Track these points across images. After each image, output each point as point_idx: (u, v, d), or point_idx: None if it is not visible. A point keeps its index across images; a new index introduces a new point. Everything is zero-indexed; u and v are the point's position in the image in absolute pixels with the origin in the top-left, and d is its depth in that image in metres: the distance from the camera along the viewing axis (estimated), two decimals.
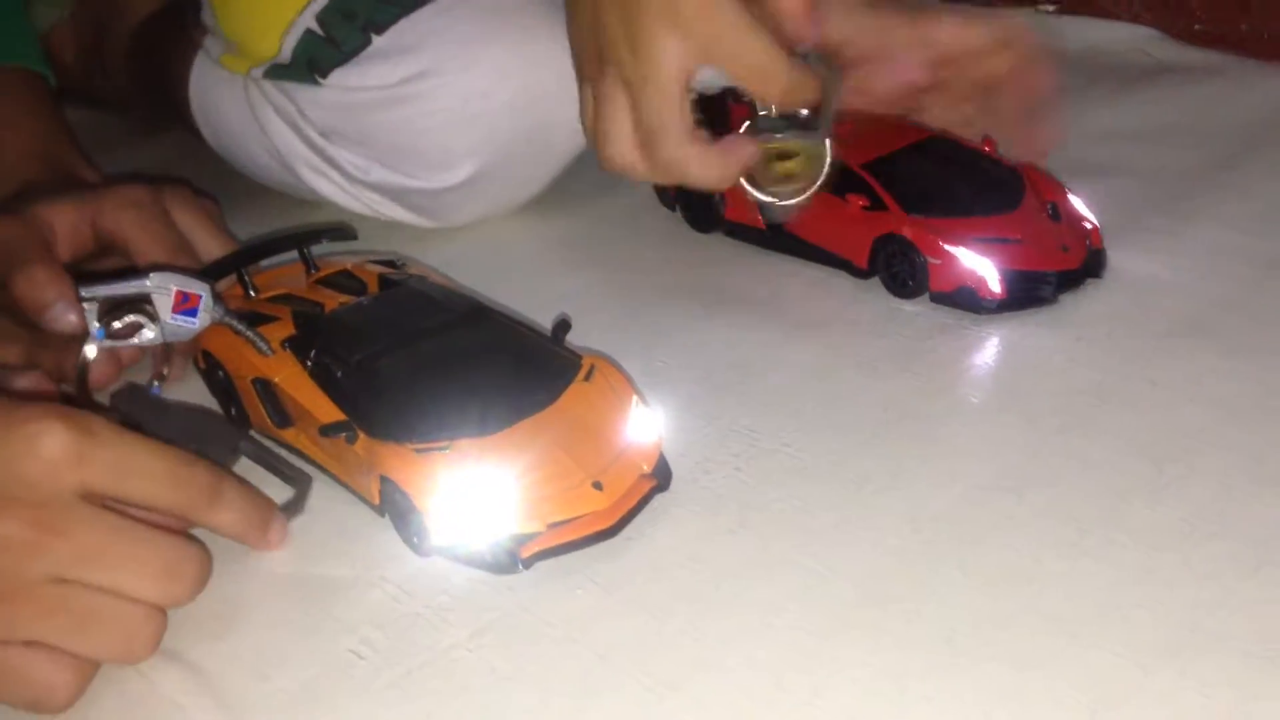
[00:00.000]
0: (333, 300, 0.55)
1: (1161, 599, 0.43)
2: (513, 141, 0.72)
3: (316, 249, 0.61)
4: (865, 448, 0.53)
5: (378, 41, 0.71)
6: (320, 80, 0.72)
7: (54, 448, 0.41)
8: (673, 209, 0.77)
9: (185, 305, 0.51)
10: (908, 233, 0.64)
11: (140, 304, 0.52)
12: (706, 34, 0.57)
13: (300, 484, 0.51)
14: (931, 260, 0.63)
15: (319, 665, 0.44)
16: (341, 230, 0.62)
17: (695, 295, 0.68)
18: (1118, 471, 0.50)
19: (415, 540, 0.48)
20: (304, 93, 0.73)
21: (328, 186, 0.77)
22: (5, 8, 0.75)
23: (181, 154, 0.85)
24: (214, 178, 0.79)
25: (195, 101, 0.81)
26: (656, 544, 0.48)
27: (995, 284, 0.62)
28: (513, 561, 0.46)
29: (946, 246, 0.62)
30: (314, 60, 0.72)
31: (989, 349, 0.60)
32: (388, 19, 0.71)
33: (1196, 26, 0.96)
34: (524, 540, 0.46)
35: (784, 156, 0.63)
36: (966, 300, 0.63)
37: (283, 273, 0.61)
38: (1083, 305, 0.63)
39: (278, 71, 0.74)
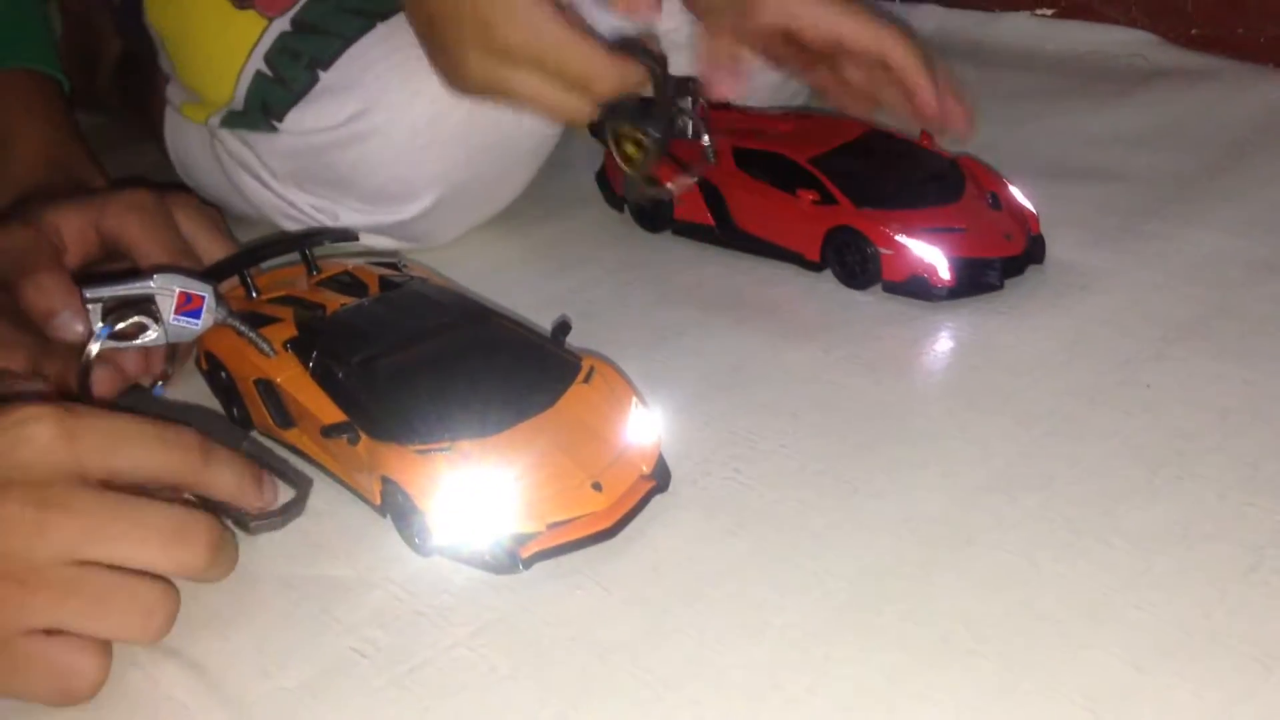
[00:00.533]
0: (334, 301, 0.56)
1: (1155, 601, 0.44)
2: (472, 162, 0.72)
3: (317, 251, 0.61)
4: (860, 450, 0.54)
5: (324, 78, 0.70)
6: (276, 125, 0.71)
7: (43, 432, 0.42)
8: (620, 210, 0.78)
9: (188, 306, 0.51)
10: (859, 225, 0.65)
11: (144, 305, 0.52)
12: (523, 47, 0.59)
13: (300, 485, 0.52)
14: (883, 251, 0.64)
15: (321, 664, 0.44)
16: (343, 232, 0.63)
17: (688, 299, 0.68)
18: (1111, 474, 0.51)
19: (416, 541, 0.48)
20: (262, 142, 0.73)
21: (295, 227, 0.76)
22: (23, 13, 0.75)
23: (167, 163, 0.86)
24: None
25: (170, 150, 0.82)
26: (655, 544, 0.49)
27: (945, 272, 0.63)
28: (513, 561, 0.47)
29: (897, 237, 0.64)
30: (266, 103, 0.71)
31: (982, 353, 0.61)
32: (331, 53, 0.70)
33: (1193, 31, 0.96)
34: (524, 540, 0.47)
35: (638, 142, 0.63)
36: (918, 288, 0.64)
37: (284, 274, 0.61)
38: (1078, 308, 0.63)
39: (234, 119, 0.73)
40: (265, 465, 0.53)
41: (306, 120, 0.71)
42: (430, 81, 0.68)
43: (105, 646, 0.43)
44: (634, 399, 0.51)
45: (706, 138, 0.63)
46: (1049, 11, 1.11)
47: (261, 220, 0.79)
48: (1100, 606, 0.44)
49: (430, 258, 0.72)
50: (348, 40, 0.70)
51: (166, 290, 0.52)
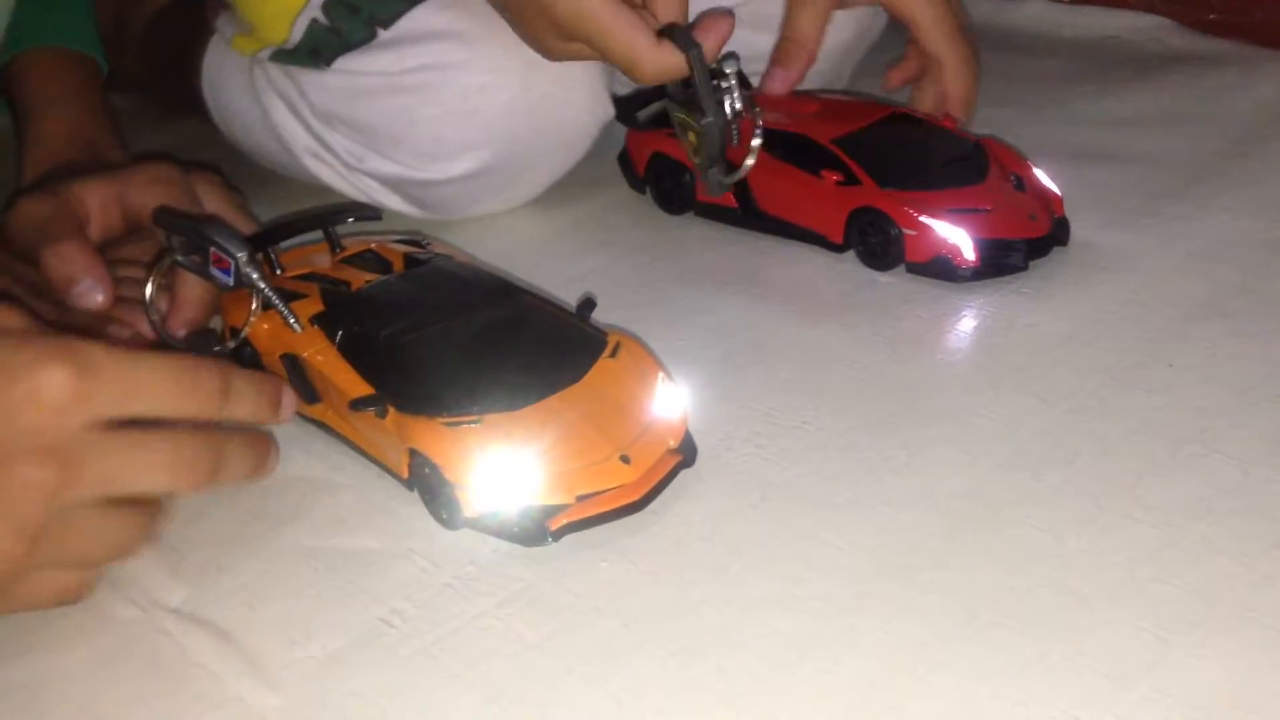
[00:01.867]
0: (358, 278, 0.56)
1: (1180, 574, 0.44)
2: (510, 139, 0.72)
3: (340, 229, 0.61)
4: (883, 426, 0.54)
5: (382, 35, 0.71)
6: (324, 67, 0.73)
7: (55, 393, 0.40)
8: (642, 192, 0.78)
9: (220, 265, 0.52)
10: (883, 205, 0.65)
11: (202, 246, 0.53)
12: (576, 31, 0.61)
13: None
14: (907, 231, 0.64)
15: (349, 634, 0.44)
16: (366, 210, 0.63)
17: (709, 278, 0.68)
18: (1134, 451, 0.51)
19: (444, 514, 0.49)
20: (307, 75, 0.74)
21: (327, 173, 0.77)
22: None
23: (197, 141, 0.86)
24: (226, 165, 0.80)
25: (206, 85, 0.82)
26: (679, 518, 0.49)
27: (969, 252, 0.63)
28: (542, 533, 0.47)
29: (921, 218, 0.64)
30: (318, 49, 0.72)
31: (1004, 331, 0.61)
32: (391, 13, 0.71)
33: (1211, 15, 0.96)
34: (553, 512, 0.47)
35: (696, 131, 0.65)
36: (942, 269, 0.64)
37: (308, 252, 0.61)
38: (1099, 288, 0.64)
39: (283, 56, 0.74)
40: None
41: (358, 63, 0.72)
42: (490, 50, 0.69)
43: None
44: (660, 374, 0.52)
45: (759, 121, 0.64)
46: None
47: (286, 166, 0.79)
48: (1125, 580, 0.44)
49: (451, 236, 0.72)
50: (410, 2, 0.71)
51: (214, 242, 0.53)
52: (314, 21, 0.72)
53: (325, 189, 0.78)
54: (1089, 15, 1.07)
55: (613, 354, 0.52)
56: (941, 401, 0.56)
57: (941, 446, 0.52)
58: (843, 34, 0.84)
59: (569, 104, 0.72)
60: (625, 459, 0.48)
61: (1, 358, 0.40)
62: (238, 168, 0.78)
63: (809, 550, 0.47)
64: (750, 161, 0.65)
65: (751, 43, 0.87)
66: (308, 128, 0.76)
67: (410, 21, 0.71)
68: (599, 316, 0.55)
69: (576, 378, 0.50)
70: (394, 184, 0.75)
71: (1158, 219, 0.71)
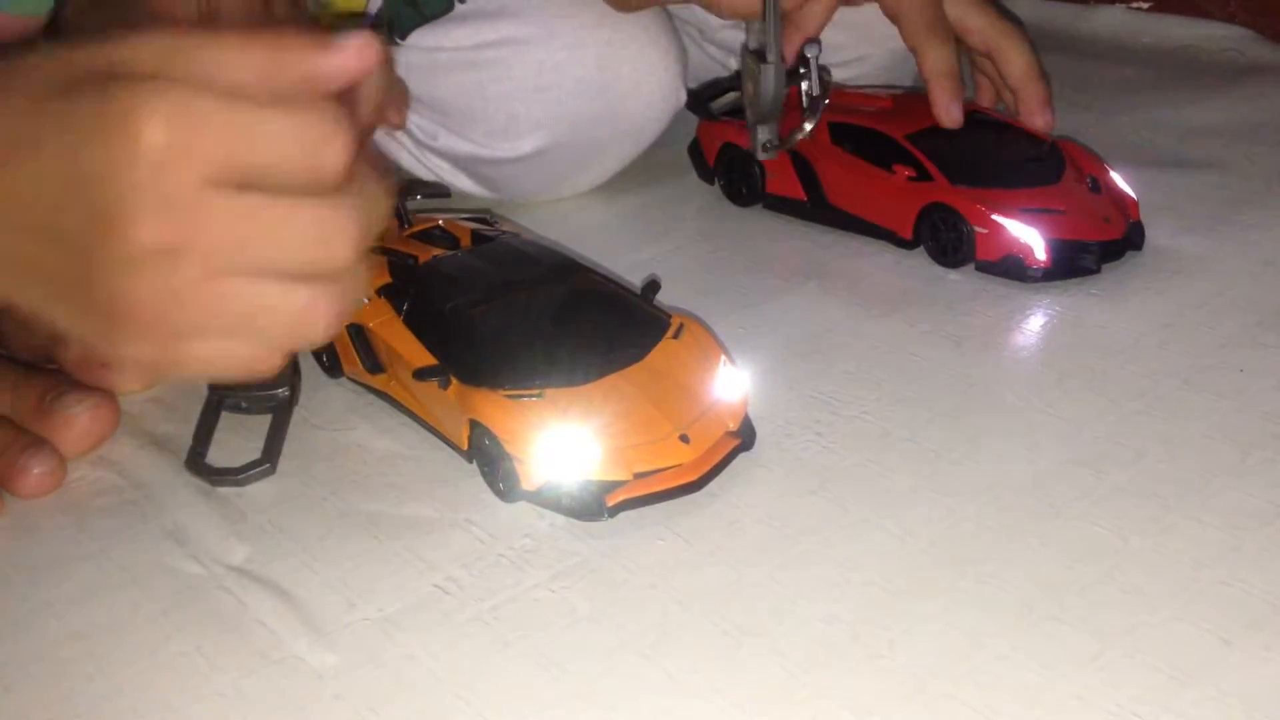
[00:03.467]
0: (426, 253, 0.56)
1: (1244, 577, 0.43)
2: (582, 120, 0.73)
3: (410, 206, 0.62)
4: (945, 419, 0.53)
5: (460, 8, 0.72)
6: (399, 41, 0.73)
7: (156, 140, 0.34)
8: (712, 183, 0.78)
9: None
10: (955, 202, 0.64)
11: None
12: None
13: (257, 465, 0.52)
14: (979, 229, 0.64)
15: (405, 598, 0.45)
16: (436, 187, 0.64)
17: (771, 269, 0.68)
18: (1202, 454, 0.50)
19: (501, 486, 0.49)
20: None
21: (396, 149, 0.78)
22: None
23: None
24: None
25: None
26: (736, 500, 0.49)
27: (1041, 252, 0.62)
28: (599, 508, 0.47)
29: (994, 216, 0.63)
30: (395, 20, 0.73)
31: (1070, 330, 0.60)
32: None
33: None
34: (611, 488, 0.47)
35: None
36: (1012, 269, 0.63)
37: None
38: (1171, 292, 0.63)
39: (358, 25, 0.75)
40: (272, 430, 0.54)
41: (429, 39, 0.72)
42: (566, 26, 0.69)
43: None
44: (722, 357, 0.52)
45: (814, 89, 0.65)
46: (1145, 5, 1.10)
47: None
48: (1189, 581, 0.43)
49: (518, 219, 0.73)
50: None
51: None
52: None
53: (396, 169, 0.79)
54: (1168, 24, 1.05)
55: (676, 335, 0.52)
56: (1005, 397, 0.55)
57: (1003, 441, 0.52)
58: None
59: (643, 87, 0.72)
60: (685, 439, 0.48)
61: (93, 106, 0.35)
62: None
63: (866, 537, 0.46)
64: (803, 131, 0.65)
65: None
66: None
67: None
68: (662, 301, 0.55)
69: (639, 356, 0.50)
70: (464, 163, 0.76)
71: (1233, 226, 0.69)
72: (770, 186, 0.74)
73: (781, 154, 0.71)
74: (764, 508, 0.49)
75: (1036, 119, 0.70)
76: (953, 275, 0.66)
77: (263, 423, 0.54)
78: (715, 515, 0.48)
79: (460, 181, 0.77)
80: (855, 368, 0.58)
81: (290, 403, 0.55)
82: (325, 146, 0.37)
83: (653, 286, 0.54)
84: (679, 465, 0.48)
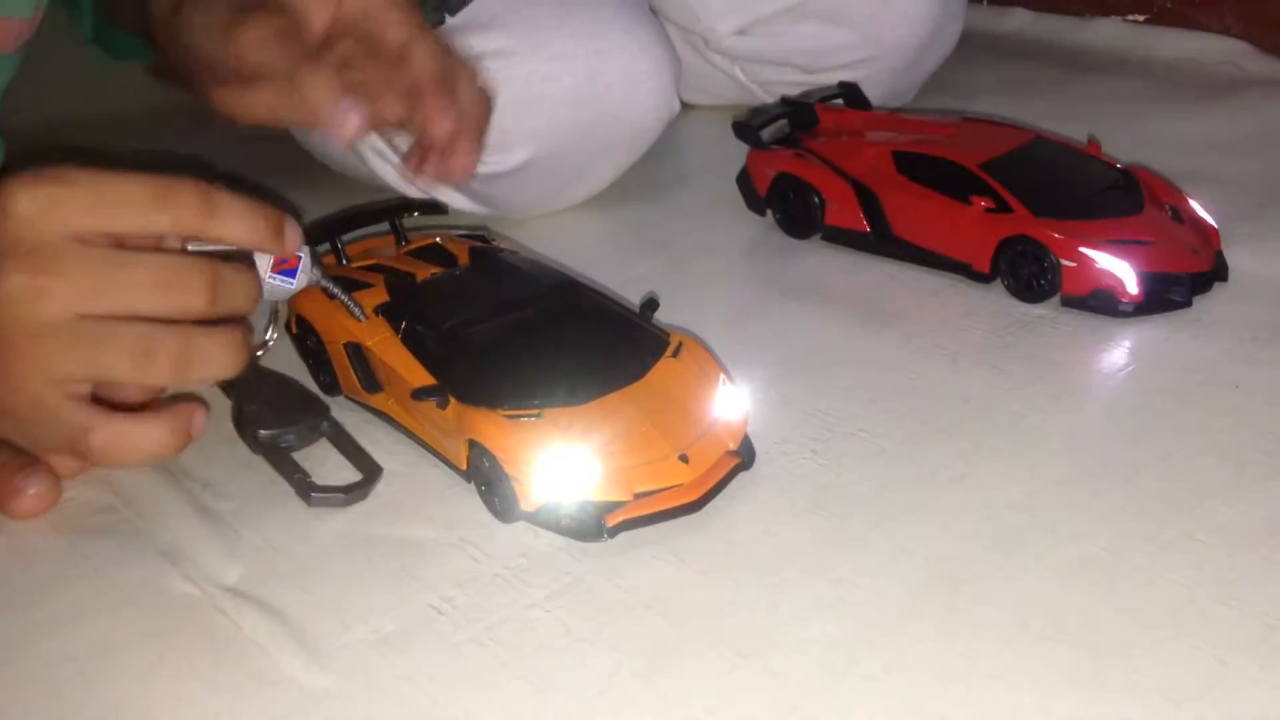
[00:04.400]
0: (424, 270, 0.56)
1: (1241, 596, 0.43)
2: (571, 131, 0.72)
3: (407, 223, 0.62)
4: (942, 436, 0.53)
5: (450, 21, 0.71)
6: (449, 16, 0.72)
7: (25, 202, 0.43)
8: (763, 214, 0.75)
9: (284, 266, 0.52)
10: (1039, 235, 0.62)
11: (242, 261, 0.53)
12: None
13: (370, 474, 0.52)
14: (1066, 263, 0.61)
15: (400, 619, 0.45)
16: (433, 204, 0.64)
17: (768, 284, 0.68)
18: (1198, 472, 0.50)
19: (499, 505, 0.49)
20: None
21: (387, 169, 0.77)
22: None
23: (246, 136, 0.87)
24: (287, 156, 0.81)
25: None
26: (732, 519, 0.49)
27: (1133, 286, 0.61)
28: (598, 529, 0.47)
29: (1082, 249, 0.61)
30: None
31: (1064, 348, 0.60)
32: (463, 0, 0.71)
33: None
34: (610, 509, 0.47)
35: None
36: (1103, 303, 0.61)
37: (374, 244, 0.62)
38: (1166, 310, 0.63)
39: None
40: (340, 446, 0.54)
41: None
42: (556, 37, 0.69)
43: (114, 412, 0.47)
44: (721, 376, 0.52)
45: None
46: (1140, 18, 1.10)
47: (347, 165, 0.80)
48: (1184, 601, 0.43)
49: (515, 234, 0.73)
50: None
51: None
52: None
53: (385, 189, 0.79)
54: (1163, 37, 1.06)
55: (675, 354, 0.52)
56: (1000, 414, 0.55)
57: (999, 459, 0.52)
58: (918, 28, 0.83)
59: (634, 97, 0.72)
60: (684, 459, 0.48)
61: None
62: (296, 164, 0.79)
63: (862, 557, 0.46)
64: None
65: (824, 36, 0.87)
66: None
67: (477, 9, 0.71)
68: (659, 318, 0.55)
69: (638, 376, 0.50)
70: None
71: (1227, 240, 0.69)
72: (830, 218, 0.71)
73: (843, 184, 0.70)
74: (759, 526, 0.48)
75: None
76: (1036, 310, 0.64)
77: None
78: (711, 534, 0.48)
79: (453, 199, 0.77)
80: (852, 384, 0.58)
81: (333, 424, 0.55)
82: (188, 217, 0.46)
83: (651, 305, 0.54)
84: (679, 485, 0.48)
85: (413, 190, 0.77)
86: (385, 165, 0.78)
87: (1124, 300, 0.61)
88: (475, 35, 0.71)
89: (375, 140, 0.77)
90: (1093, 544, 0.46)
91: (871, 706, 0.39)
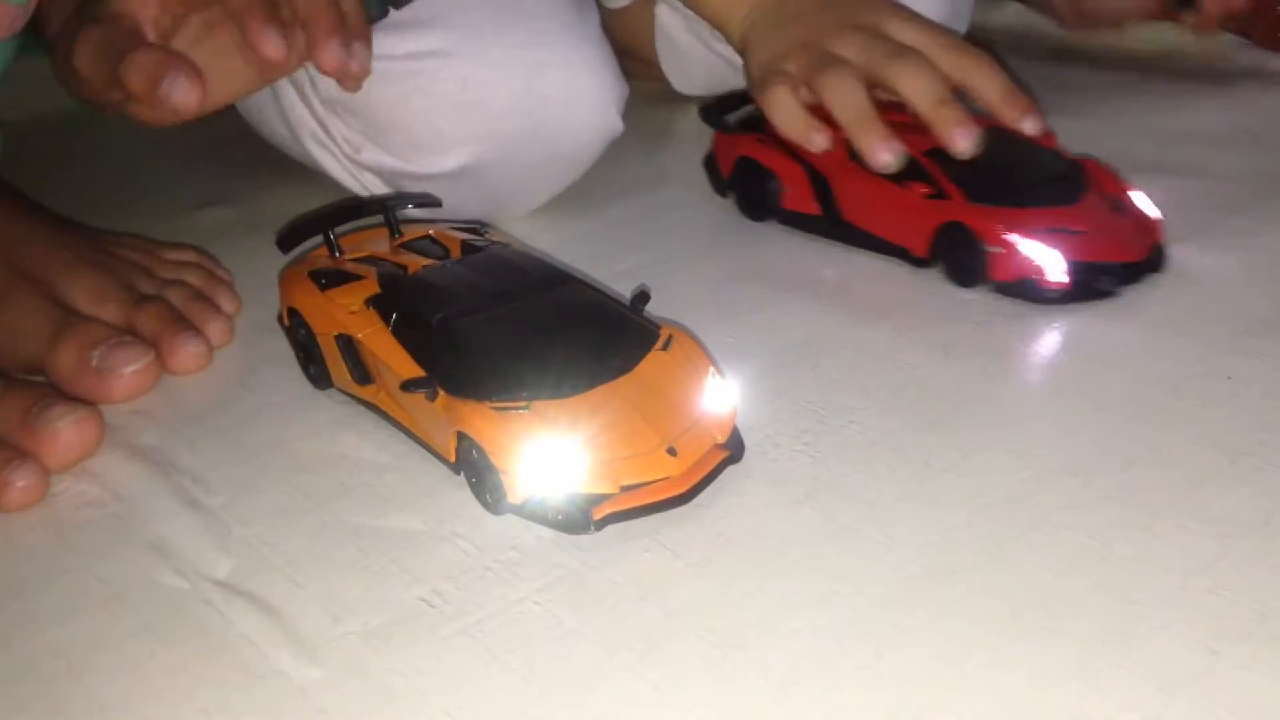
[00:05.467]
0: (416, 263, 0.56)
1: (1233, 585, 0.43)
2: (508, 142, 0.71)
3: (401, 215, 0.62)
4: (933, 427, 0.53)
5: (394, 15, 0.70)
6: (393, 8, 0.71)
7: None
8: (725, 195, 0.77)
9: None
10: (971, 221, 0.63)
11: None
12: None
13: None
14: (995, 249, 0.63)
15: (390, 612, 0.45)
16: (427, 198, 0.63)
17: (760, 277, 0.68)
18: (1190, 461, 0.50)
19: (489, 498, 0.49)
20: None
21: (330, 162, 0.77)
22: None
23: (238, 130, 0.87)
24: (262, 149, 0.81)
25: None
26: (724, 512, 0.49)
27: (1060, 274, 0.61)
28: (586, 521, 0.47)
29: (1010, 236, 0.62)
30: None
31: (1058, 338, 0.60)
32: None
33: (1278, 34, 0.95)
34: (597, 501, 0.47)
35: None
36: (1029, 290, 0.62)
37: (367, 236, 0.62)
38: (1158, 300, 0.63)
39: None
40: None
41: None
42: (497, 43, 0.68)
43: None
44: (711, 368, 0.51)
45: None
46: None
47: (293, 150, 0.80)
48: (1176, 589, 0.43)
49: (507, 227, 0.73)
50: None
51: None
52: None
53: (330, 179, 0.79)
54: (1156, 28, 1.05)
55: (665, 347, 0.51)
56: (993, 405, 0.55)
57: (992, 450, 0.52)
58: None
59: (573, 113, 0.71)
60: (672, 451, 0.48)
61: None
62: (269, 158, 0.79)
63: (854, 547, 0.46)
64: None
65: None
66: (313, 113, 0.76)
67: (420, 6, 0.70)
68: (650, 311, 0.55)
69: (627, 368, 0.50)
70: (390, 177, 0.75)
71: (1221, 233, 0.70)
72: (785, 202, 0.73)
73: (798, 169, 0.71)
74: (751, 518, 0.48)
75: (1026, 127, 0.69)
76: (968, 295, 0.64)
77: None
78: (702, 526, 0.48)
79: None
80: (844, 376, 0.58)
81: None
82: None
83: (642, 297, 0.54)
84: (667, 478, 0.48)
85: (358, 186, 0.77)
86: (324, 153, 0.77)
87: (1051, 288, 0.62)
88: (416, 32, 0.70)
89: (315, 127, 0.76)
90: (1085, 534, 0.46)
91: (863, 696, 0.39)
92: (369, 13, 0.70)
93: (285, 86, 0.76)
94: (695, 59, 0.94)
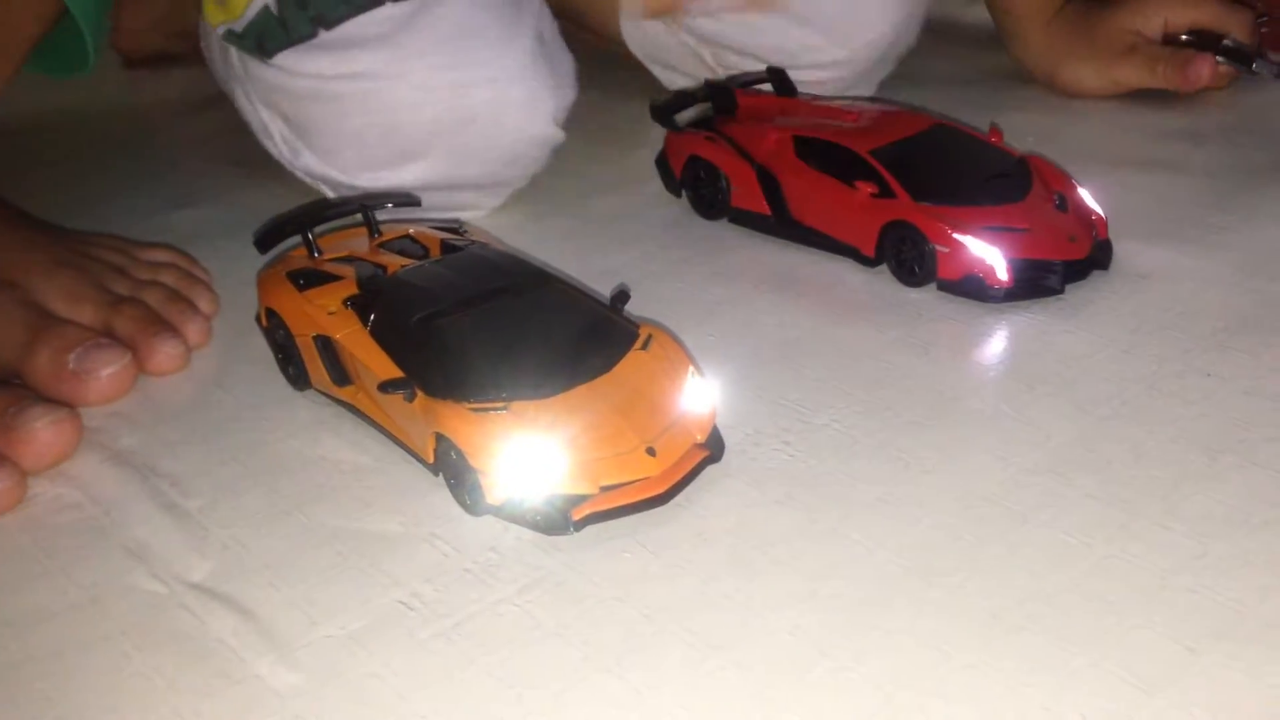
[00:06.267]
0: (395, 263, 0.56)
1: (1212, 584, 0.43)
2: (441, 158, 0.72)
3: (380, 215, 0.62)
4: (913, 427, 0.53)
5: (324, 36, 0.71)
6: (266, 60, 0.72)
7: None
8: (679, 195, 0.77)
9: None
10: (916, 220, 0.63)
11: None
12: None
13: None
14: (939, 248, 0.63)
15: (368, 615, 0.44)
16: (406, 197, 0.63)
17: (741, 276, 0.68)
18: (1170, 460, 0.50)
19: (468, 499, 0.49)
20: (252, 64, 0.74)
21: (274, 151, 0.78)
22: None
23: (216, 130, 0.86)
24: (240, 148, 0.81)
25: (201, 32, 0.82)
26: (704, 512, 0.49)
27: (1002, 272, 0.62)
28: (565, 522, 0.47)
29: (955, 234, 0.62)
30: (263, 38, 0.72)
31: (1037, 338, 0.60)
32: (338, 16, 0.70)
33: (1263, 30, 0.95)
34: (576, 502, 0.47)
35: None
36: (973, 288, 0.63)
37: (346, 235, 0.62)
38: (1138, 297, 0.63)
39: (232, 38, 0.74)
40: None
41: (296, 63, 0.72)
42: (419, 65, 0.69)
43: None
44: (690, 368, 0.51)
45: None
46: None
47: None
48: (1155, 588, 0.43)
49: (486, 225, 0.73)
50: (356, 9, 0.70)
51: None
52: (265, 8, 0.71)
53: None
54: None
55: (644, 346, 0.51)
56: (974, 405, 0.55)
57: (972, 449, 0.52)
58: (881, 26, 0.83)
59: (500, 128, 0.71)
60: (651, 451, 0.48)
61: None
62: (262, 161, 0.79)
63: (834, 548, 0.46)
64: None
65: (791, 34, 0.87)
66: (256, 110, 0.77)
67: (354, 27, 0.70)
68: (630, 309, 0.54)
69: (606, 368, 0.50)
70: (329, 184, 0.75)
71: (1201, 230, 0.70)
72: (736, 200, 0.73)
73: (746, 167, 0.71)
74: (731, 518, 0.48)
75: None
76: (913, 294, 0.64)
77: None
78: (682, 526, 0.48)
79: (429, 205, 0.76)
80: (824, 376, 0.58)
81: None
82: None
83: (622, 296, 0.54)
84: (646, 478, 0.47)
85: (299, 174, 0.77)
86: (270, 144, 0.78)
87: (994, 286, 0.62)
88: (346, 53, 0.70)
89: (258, 121, 0.77)
90: (1065, 533, 0.46)
91: (843, 697, 0.39)
92: (299, 31, 0.71)
93: (233, 82, 0.77)
94: (662, 44, 0.94)
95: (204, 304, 0.65)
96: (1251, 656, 0.40)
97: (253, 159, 0.81)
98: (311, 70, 0.71)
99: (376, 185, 0.73)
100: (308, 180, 0.77)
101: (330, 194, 0.76)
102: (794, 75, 0.78)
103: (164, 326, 0.61)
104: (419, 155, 0.72)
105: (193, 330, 0.63)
